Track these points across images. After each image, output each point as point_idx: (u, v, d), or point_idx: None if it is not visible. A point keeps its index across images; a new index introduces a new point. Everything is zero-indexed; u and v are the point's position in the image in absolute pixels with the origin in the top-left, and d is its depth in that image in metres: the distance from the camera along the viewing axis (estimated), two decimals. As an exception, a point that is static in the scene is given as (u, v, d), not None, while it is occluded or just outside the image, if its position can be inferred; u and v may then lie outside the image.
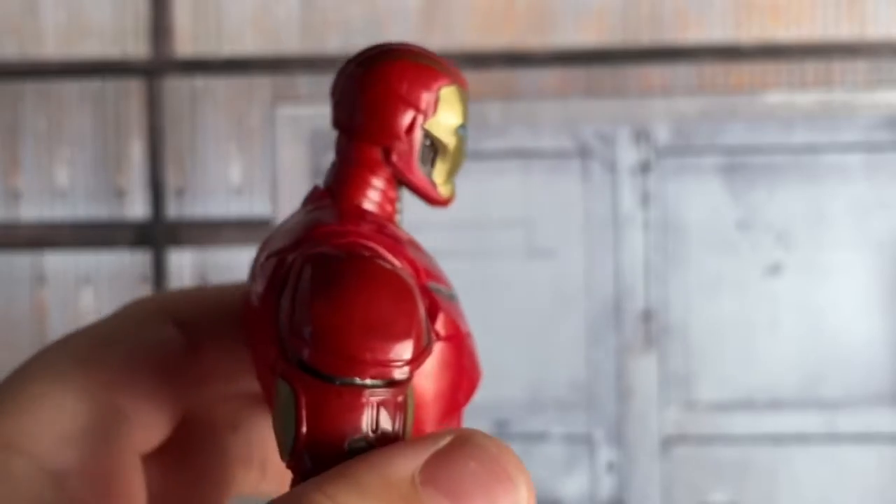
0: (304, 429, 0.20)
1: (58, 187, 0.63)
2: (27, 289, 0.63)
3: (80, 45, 0.64)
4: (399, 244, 0.24)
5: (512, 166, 0.61)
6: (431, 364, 0.23)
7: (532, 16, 0.63)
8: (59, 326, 0.63)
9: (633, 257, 0.61)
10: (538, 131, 0.61)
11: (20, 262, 0.63)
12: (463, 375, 0.24)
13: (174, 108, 0.64)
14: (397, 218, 0.26)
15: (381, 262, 0.22)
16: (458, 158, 0.26)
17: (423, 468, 0.20)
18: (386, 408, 0.21)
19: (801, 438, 0.61)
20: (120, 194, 0.64)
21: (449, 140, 0.25)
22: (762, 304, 0.61)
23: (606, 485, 0.61)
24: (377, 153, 0.25)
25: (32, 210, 0.63)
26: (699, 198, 0.62)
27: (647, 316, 0.61)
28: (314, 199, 0.25)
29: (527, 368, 0.61)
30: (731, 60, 0.62)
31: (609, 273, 0.61)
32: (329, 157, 0.63)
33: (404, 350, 0.21)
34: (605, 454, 0.61)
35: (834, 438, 0.61)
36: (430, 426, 0.23)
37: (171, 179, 0.63)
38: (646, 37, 0.62)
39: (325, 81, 0.63)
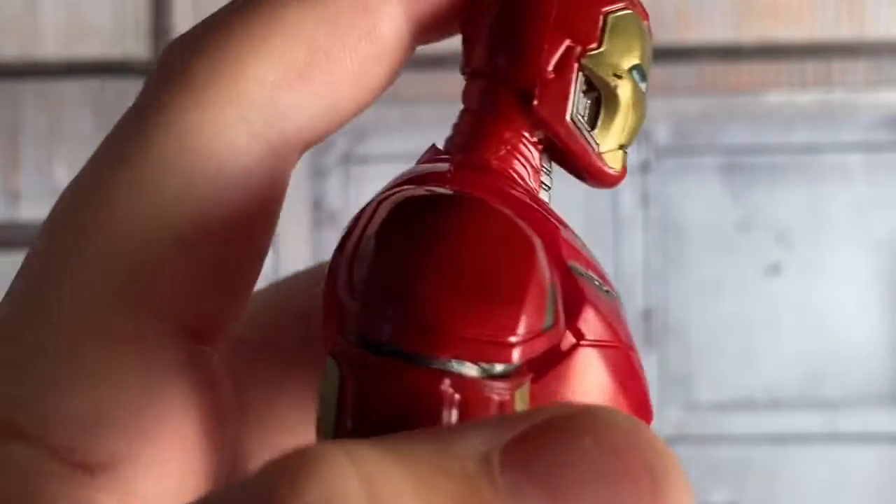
0: (350, 424, 0.14)
1: (58, 187, 0.63)
2: (27, 289, 0.63)
3: (80, 45, 0.64)
4: (530, 208, 0.17)
5: (512, 166, 0.61)
6: (571, 377, 0.16)
7: (532, 16, 0.63)
8: (59, 326, 0.63)
9: (633, 257, 0.61)
10: (538, 131, 0.61)
11: (20, 262, 0.63)
12: (629, 406, 0.16)
13: (174, 108, 0.64)
14: (543, 195, 0.19)
15: (491, 206, 0.15)
16: (632, 114, 0.18)
17: (508, 446, 0.13)
18: (476, 406, 0.14)
19: (801, 438, 0.61)
20: (120, 194, 0.64)
21: (619, 85, 0.18)
22: (762, 304, 0.61)
23: (606, 485, 0.61)
24: (513, 99, 0.18)
25: (32, 210, 0.63)
26: (699, 198, 0.62)
27: (647, 316, 0.61)
28: (428, 160, 0.19)
29: (527, 368, 0.61)
30: (732, 60, 0.62)
31: (609, 273, 0.61)
32: (329, 157, 0.63)
33: (510, 323, 0.14)
34: None
35: (834, 438, 0.61)
36: None
37: (171, 179, 0.63)
38: (646, 37, 0.62)
39: (325, 81, 0.63)
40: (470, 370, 0.14)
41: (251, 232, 0.18)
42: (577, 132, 0.18)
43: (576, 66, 0.18)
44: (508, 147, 0.18)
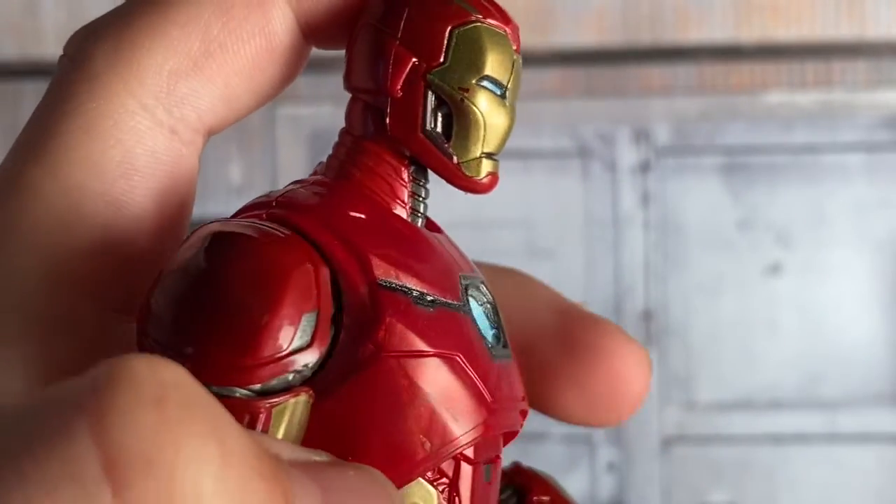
0: None
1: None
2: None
3: (80, 45, 0.64)
4: (356, 228, 0.18)
5: (512, 166, 0.61)
6: (369, 384, 0.17)
7: (532, 16, 0.63)
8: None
9: (633, 257, 0.61)
10: (538, 131, 0.61)
11: (20, 262, 0.63)
12: (433, 410, 0.17)
13: (174, 108, 0.64)
14: (416, 203, 0.19)
15: (256, 245, 0.17)
16: (490, 122, 0.19)
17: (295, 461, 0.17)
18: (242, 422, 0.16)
19: (801, 438, 0.61)
20: (120, 194, 0.64)
21: (465, 97, 0.18)
22: (762, 304, 0.61)
23: (606, 485, 0.61)
24: (375, 117, 0.19)
25: (32, 210, 0.63)
26: (699, 198, 0.62)
27: (647, 316, 0.61)
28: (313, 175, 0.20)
29: (527, 368, 0.61)
30: (732, 60, 0.62)
31: (609, 273, 0.61)
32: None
33: (246, 351, 0.16)
34: (605, 454, 0.61)
35: (834, 438, 0.61)
36: (382, 466, 0.17)
37: (171, 179, 0.63)
38: (646, 37, 0.62)
39: (325, 81, 0.63)
40: (233, 392, 0.16)
41: (163, 212, 0.19)
42: (431, 146, 0.19)
43: (422, 83, 0.18)
44: (371, 163, 0.19)
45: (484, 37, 0.19)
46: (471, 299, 0.19)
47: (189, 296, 0.17)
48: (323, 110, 0.61)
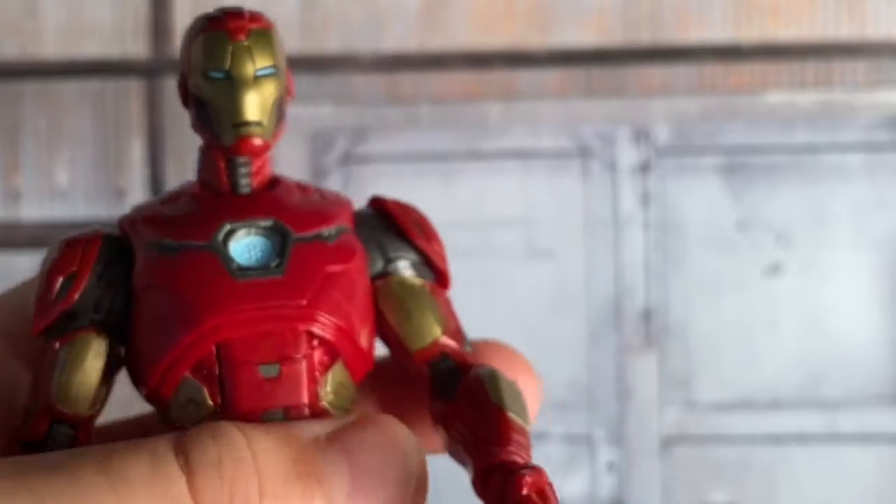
0: None
1: (58, 187, 0.63)
2: (27, 289, 0.63)
3: (80, 45, 0.64)
4: (147, 210, 0.25)
5: (512, 166, 0.61)
6: (135, 314, 0.24)
7: (532, 16, 0.63)
8: (59, 326, 0.63)
9: (633, 257, 0.61)
10: (538, 131, 0.61)
11: (20, 262, 0.63)
12: (161, 324, 0.23)
13: (174, 108, 0.64)
14: (234, 178, 0.25)
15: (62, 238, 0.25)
16: (220, 103, 0.24)
17: (331, 433, 0.22)
18: (43, 360, 0.24)
19: (801, 438, 0.61)
20: (120, 194, 0.64)
21: (198, 87, 0.24)
22: (762, 304, 0.61)
23: (606, 485, 0.61)
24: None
25: (32, 210, 0.63)
26: (699, 198, 0.62)
27: (647, 316, 0.61)
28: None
29: (527, 368, 0.61)
30: (732, 60, 0.62)
31: (609, 273, 0.61)
32: (329, 157, 0.63)
33: (36, 303, 0.24)
34: (605, 454, 0.61)
35: (834, 438, 0.61)
36: (146, 374, 0.23)
37: (171, 179, 0.63)
38: (646, 37, 0.62)
39: (326, 81, 0.63)
40: (45, 339, 0.25)
41: None
42: (205, 132, 0.25)
43: (187, 93, 0.25)
44: (203, 161, 0.26)
45: (203, 44, 0.24)
46: (233, 237, 0.24)
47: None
48: (323, 110, 0.61)
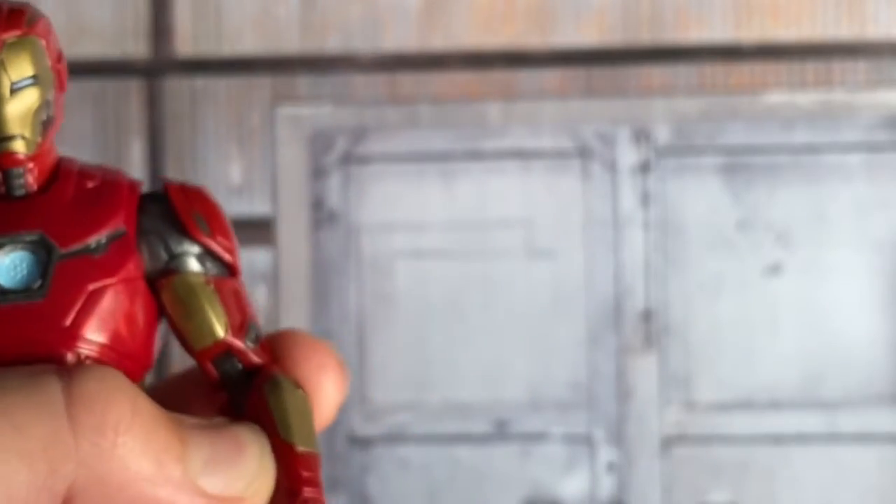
0: None
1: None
2: (27, 289, 0.63)
3: (80, 45, 0.64)
4: None
5: (512, 166, 0.61)
6: None
7: (532, 16, 0.63)
8: (59, 326, 0.63)
9: (633, 257, 0.61)
10: (538, 131, 0.61)
11: (20, 262, 0.63)
12: None
13: (174, 108, 0.64)
14: (8, 182, 0.25)
15: None
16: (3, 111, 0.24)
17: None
18: None
19: (801, 438, 0.61)
20: (120, 194, 0.64)
21: None
22: (762, 304, 0.61)
23: (606, 485, 0.61)
24: None
25: (32, 210, 0.63)
26: (699, 198, 0.62)
27: (647, 316, 0.61)
28: None
29: (527, 368, 0.61)
30: (732, 60, 0.62)
31: (609, 273, 0.61)
32: (329, 157, 0.63)
33: None
34: (605, 454, 0.61)
35: (834, 438, 0.61)
36: None
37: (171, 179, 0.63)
38: (646, 37, 0.62)
39: (326, 81, 0.63)
40: None
41: None
42: None
43: None
44: None
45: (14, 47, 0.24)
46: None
47: None
48: (323, 110, 0.61)
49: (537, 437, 0.60)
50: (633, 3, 0.62)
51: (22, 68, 0.24)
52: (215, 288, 0.26)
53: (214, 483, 0.22)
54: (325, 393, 0.25)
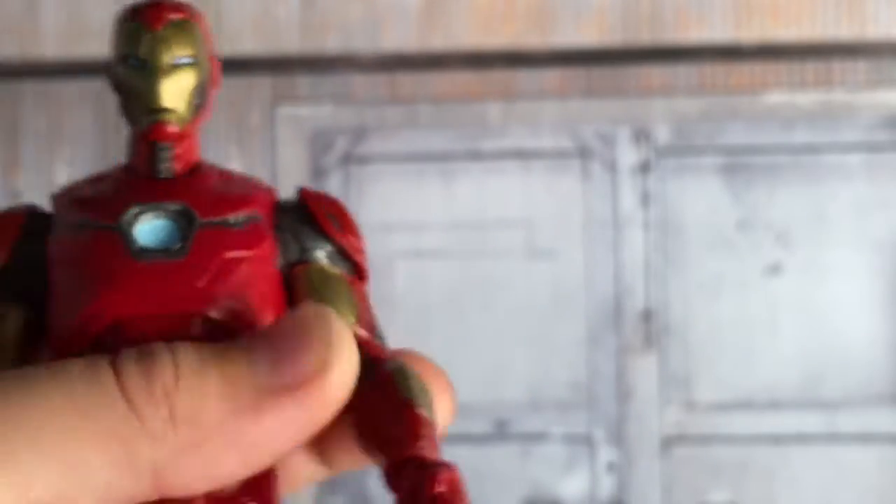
0: None
1: (57, 187, 0.63)
2: (27, 289, 0.63)
3: (80, 45, 0.64)
4: (77, 190, 0.27)
5: (512, 166, 0.61)
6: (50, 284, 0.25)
7: (532, 16, 0.63)
8: (59, 326, 0.63)
9: (633, 257, 0.61)
10: (538, 131, 0.61)
11: (20, 262, 0.63)
12: (65, 296, 0.25)
13: (174, 108, 0.64)
14: (154, 161, 0.26)
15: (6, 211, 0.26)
16: (136, 90, 0.25)
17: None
18: None
19: (801, 438, 0.61)
20: (120, 194, 0.64)
21: (117, 75, 0.25)
22: (762, 304, 0.61)
23: (606, 485, 0.61)
24: None
25: (32, 210, 0.63)
26: (699, 198, 0.62)
27: (647, 316, 0.61)
28: None
29: (527, 368, 0.61)
30: (732, 60, 0.62)
31: (609, 273, 0.61)
32: (329, 157, 0.63)
33: None
34: (605, 454, 0.61)
35: (834, 438, 0.61)
36: (54, 347, 0.24)
37: (171, 179, 0.63)
38: (646, 37, 0.62)
39: (325, 81, 0.63)
40: None
41: None
42: (128, 118, 0.25)
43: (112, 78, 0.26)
44: (130, 143, 0.26)
45: (123, 33, 0.25)
46: (141, 219, 0.25)
47: None
48: (323, 110, 0.61)
49: (537, 437, 0.60)
50: (633, 3, 0.62)
51: (183, 47, 0.25)
52: (348, 282, 0.27)
53: (287, 376, 0.22)
54: (441, 415, 0.26)
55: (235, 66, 0.63)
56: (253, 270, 0.26)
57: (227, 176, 0.27)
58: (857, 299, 0.61)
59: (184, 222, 0.25)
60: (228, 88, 0.65)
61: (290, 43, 0.63)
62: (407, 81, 0.62)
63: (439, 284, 0.61)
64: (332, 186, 0.61)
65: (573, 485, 0.61)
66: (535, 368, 0.61)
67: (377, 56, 0.62)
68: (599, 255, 0.61)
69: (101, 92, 0.64)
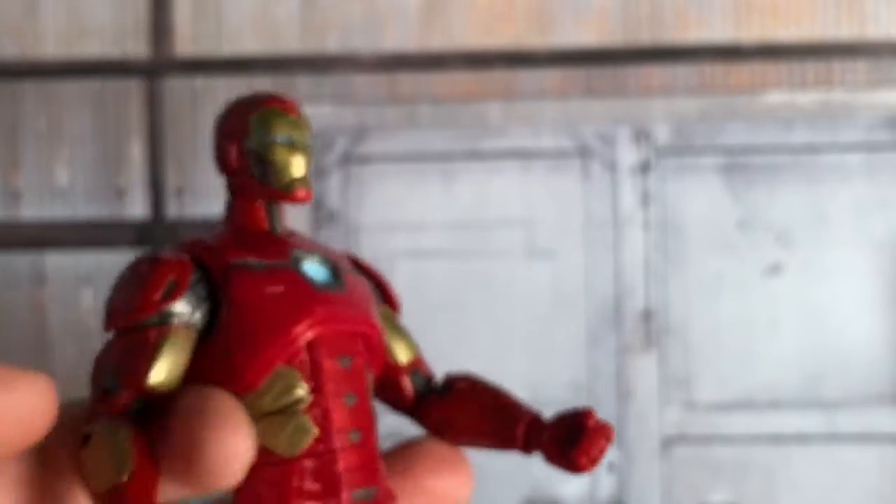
0: None
1: (58, 187, 0.63)
2: (27, 289, 0.64)
3: (80, 45, 0.64)
4: (210, 243, 0.30)
5: (512, 166, 0.61)
6: (232, 315, 0.29)
7: (532, 16, 0.63)
8: (60, 326, 0.63)
9: (633, 257, 0.61)
10: (538, 131, 0.61)
11: (20, 262, 0.63)
12: (270, 322, 0.29)
13: (174, 108, 0.64)
14: (271, 221, 0.32)
15: (147, 256, 0.30)
16: (283, 162, 0.30)
17: None
18: (132, 346, 0.28)
19: (801, 438, 0.61)
20: (120, 194, 0.64)
21: (263, 149, 0.30)
22: (762, 304, 0.61)
23: (606, 485, 0.61)
24: (228, 182, 0.32)
25: (32, 210, 0.63)
26: (699, 198, 0.62)
27: (647, 316, 0.61)
28: None
29: (527, 369, 0.61)
30: (731, 60, 0.62)
31: (609, 273, 0.61)
32: (329, 157, 0.63)
33: (130, 307, 0.29)
34: (605, 454, 0.61)
35: (834, 438, 0.61)
36: (240, 366, 0.28)
37: (171, 179, 0.63)
38: (646, 37, 0.62)
39: (325, 81, 0.63)
40: (136, 325, 0.29)
41: None
42: (261, 186, 0.31)
43: (244, 150, 0.31)
44: (241, 208, 0.32)
45: (266, 116, 0.30)
46: (302, 261, 0.31)
47: (116, 283, 0.29)
48: (323, 110, 0.61)
49: (537, 437, 0.60)
50: (633, 3, 0.62)
51: (309, 132, 0.31)
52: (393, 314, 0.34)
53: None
54: (459, 493, 0.32)
55: (235, 66, 0.64)
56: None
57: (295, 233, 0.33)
58: (857, 299, 0.61)
59: (331, 266, 0.31)
60: (228, 88, 0.65)
61: (290, 43, 0.63)
62: (407, 81, 0.62)
63: (439, 284, 0.61)
64: (332, 186, 0.61)
65: (573, 485, 0.61)
66: (535, 368, 0.61)
67: (377, 56, 0.62)
68: (599, 255, 0.61)
69: (101, 92, 0.64)
